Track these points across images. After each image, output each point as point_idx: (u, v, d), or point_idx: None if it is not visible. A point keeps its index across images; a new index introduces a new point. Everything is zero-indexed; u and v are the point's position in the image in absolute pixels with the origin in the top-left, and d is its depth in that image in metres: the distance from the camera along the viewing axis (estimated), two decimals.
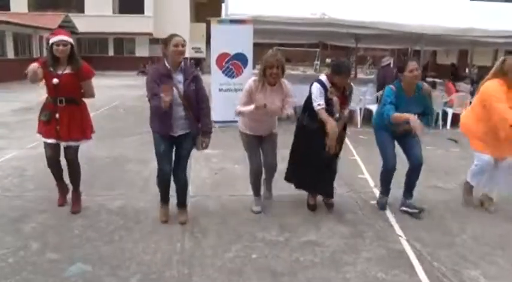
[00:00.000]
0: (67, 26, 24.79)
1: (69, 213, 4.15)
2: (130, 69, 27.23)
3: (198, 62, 27.24)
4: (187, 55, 27.50)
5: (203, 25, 29.00)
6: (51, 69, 3.89)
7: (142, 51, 31.12)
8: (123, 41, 31.15)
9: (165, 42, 3.66)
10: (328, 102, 4.07)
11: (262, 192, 4.48)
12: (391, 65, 10.75)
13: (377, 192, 5.04)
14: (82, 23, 26.43)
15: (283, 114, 4.02)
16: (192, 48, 28.37)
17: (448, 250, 3.60)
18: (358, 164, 6.29)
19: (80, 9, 29.36)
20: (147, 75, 3.84)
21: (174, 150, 3.92)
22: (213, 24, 8.57)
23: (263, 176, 4.43)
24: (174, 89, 3.60)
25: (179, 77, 3.72)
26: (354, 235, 3.85)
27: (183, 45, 3.67)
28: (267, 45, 15.75)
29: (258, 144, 4.30)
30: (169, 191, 4.08)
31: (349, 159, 6.45)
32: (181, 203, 4.13)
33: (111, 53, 31.18)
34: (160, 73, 3.66)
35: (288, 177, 4.56)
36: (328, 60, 25.07)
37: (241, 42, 8.48)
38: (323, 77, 4.20)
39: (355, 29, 9.47)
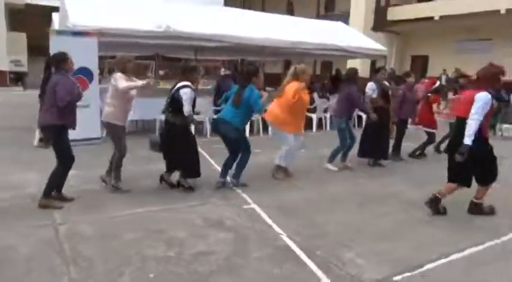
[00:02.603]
0: None
1: None
2: None
3: (19, 77, 24.44)
4: (5, 69, 24.40)
5: (23, 35, 26.23)
6: None
7: None
8: None
9: (64, 58, 4.79)
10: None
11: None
12: (229, 76, 11.33)
13: (246, 197, 5.38)
14: None
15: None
16: (11, 62, 24.96)
17: (323, 239, 4.08)
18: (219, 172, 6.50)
19: None
20: (62, 82, 4.69)
21: None
22: (51, 36, 7.92)
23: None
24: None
25: None
26: (239, 239, 4.05)
27: None
28: (108, 58, 15.17)
29: (125, 133, 5.43)
30: None
31: (210, 170, 6.63)
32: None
33: None
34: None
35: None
36: (161, 72, 24.97)
37: (86, 55, 7.98)
38: (188, 83, 5.31)
39: (199, 41, 9.76)
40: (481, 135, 4.62)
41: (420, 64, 22.84)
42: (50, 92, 4.72)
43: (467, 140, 4.50)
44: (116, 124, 5.28)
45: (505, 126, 11.67)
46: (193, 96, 5.31)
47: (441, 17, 19.97)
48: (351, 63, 19.97)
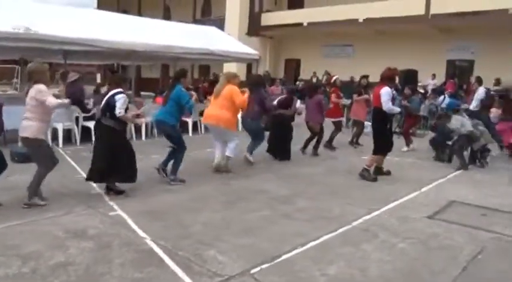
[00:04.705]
0: None
1: None
2: None
3: None
4: None
5: None
6: None
7: None
8: None
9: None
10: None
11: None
12: (79, 81, 10.80)
13: (113, 204, 5.24)
14: None
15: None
16: None
17: (187, 240, 4.17)
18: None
19: None
20: None
21: None
22: None
23: None
24: None
25: None
26: (102, 247, 3.96)
27: None
28: None
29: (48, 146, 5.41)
30: None
31: (76, 178, 6.32)
32: None
33: None
34: None
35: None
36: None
37: None
38: (121, 89, 5.46)
39: (66, 45, 9.26)
40: (383, 116, 6.79)
41: (293, 67, 24.21)
42: None
43: (396, 110, 7.03)
44: (39, 138, 4.99)
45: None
46: (127, 101, 5.47)
47: (309, 24, 21.41)
48: (227, 67, 20.59)
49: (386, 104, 6.68)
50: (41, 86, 4.90)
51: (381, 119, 6.86)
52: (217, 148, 7.24)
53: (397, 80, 7.16)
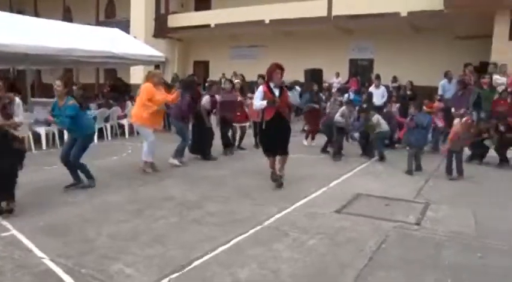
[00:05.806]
0: None
1: None
2: None
3: None
4: None
5: None
6: None
7: None
8: None
9: None
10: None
11: None
12: None
13: (6, 223, 4.77)
14: None
15: None
16: None
17: (91, 255, 3.89)
18: None
19: None
20: None
21: None
22: None
23: None
24: None
25: None
26: None
27: None
28: None
29: None
30: None
31: None
32: None
33: None
34: None
35: None
36: None
37: None
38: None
39: None
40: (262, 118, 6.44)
41: (202, 69, 24.01)
42: None
43: (258, 106, 6.37)
44: None
45: None
46: None
47: (216, 25, 21.35)
48: (133, 70, 19.92)
49: (254, 102, 6.58)
50: None
51: (261, 120, 6.54)
52: None
53: (278, 76, 6.45)
